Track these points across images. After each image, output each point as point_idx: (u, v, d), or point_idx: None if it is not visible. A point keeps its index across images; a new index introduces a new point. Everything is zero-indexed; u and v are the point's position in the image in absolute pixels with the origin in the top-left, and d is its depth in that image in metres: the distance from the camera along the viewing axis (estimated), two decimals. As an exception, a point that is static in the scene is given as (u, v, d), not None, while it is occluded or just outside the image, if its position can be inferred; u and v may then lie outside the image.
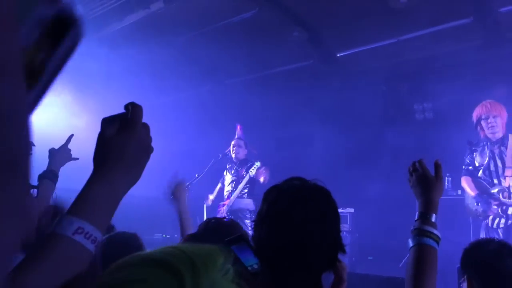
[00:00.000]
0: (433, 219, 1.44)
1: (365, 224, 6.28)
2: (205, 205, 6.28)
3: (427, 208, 1.46)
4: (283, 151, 7.54)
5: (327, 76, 7.09)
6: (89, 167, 0.85)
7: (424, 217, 1.44)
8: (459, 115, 6.43)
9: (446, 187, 6.20)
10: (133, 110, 0.85)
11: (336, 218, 1.30)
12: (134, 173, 0.86)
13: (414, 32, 5.90)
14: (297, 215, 1.23)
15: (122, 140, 0.82)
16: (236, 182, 6.15)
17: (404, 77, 6.86)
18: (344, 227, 6.77)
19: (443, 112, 6.79)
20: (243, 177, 6.09)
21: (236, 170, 6.21)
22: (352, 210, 6.89)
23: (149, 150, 0.87)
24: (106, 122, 0.86)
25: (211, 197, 6.37)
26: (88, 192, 0.80)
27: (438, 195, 1.50)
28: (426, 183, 1.50)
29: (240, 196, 6.01)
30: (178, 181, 2.54)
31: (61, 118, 6.89)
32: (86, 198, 0.79)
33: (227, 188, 6.23)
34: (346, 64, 6.95)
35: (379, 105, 7.08)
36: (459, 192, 6.06)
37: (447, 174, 6.21)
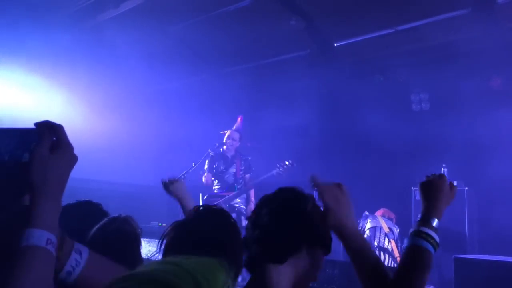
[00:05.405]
0: (434, 224, 1.40)
1: (361, 213, 6.31)
2: (200, 195, 6.28)
3: (430, 212, 1.42)
4: (280, 141, 7.53)
5: (324, 65, 7.07)
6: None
7: (425, 219, 1.41)
8: (456, 106, 6.44)
9: (441, 177, 6.22)
10: (60, 131, 0.98)
11: (306, 210, 1.46)
12: (64, 188, 0.99)
13: (411, 22, 5.88)
14: (264, 213, 1.48)
15: (58, 160, 0.95)
16: (227, 174, 6.16)
17: (401, 67, 6.85)
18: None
19: (440, 103, 6.79)
20: (236, 169, 6.11)
21: (228, 161, 6.21)
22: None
23: (73, 166, 1.00)
24: (30, 137, 0.97)
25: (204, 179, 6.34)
26: (43, 209, 0.92)
27: (444, 204, 1.47)
28: (436, 190, 1.47)
29: (239, 191, 6.03)
30: (172, 178, 2.58)
31: (57, 109, 6.86)
32: (43, 212, 0.91)
33: (222, 178, 6.21)
34: (343, 54, 6.92)
35: (376, 95, 7.07)
36: (455, 182, 6.08)
37: (443, 165, 6.24)
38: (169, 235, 1.60)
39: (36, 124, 0.97)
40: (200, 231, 1.57)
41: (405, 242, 1.43)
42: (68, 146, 0.98)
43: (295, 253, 1.42)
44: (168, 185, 2.53)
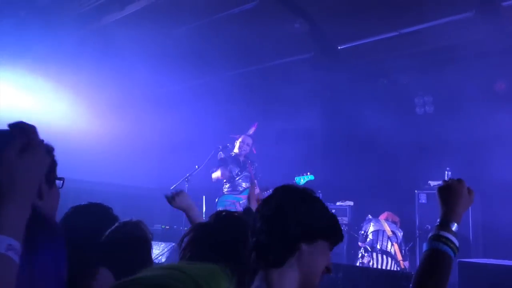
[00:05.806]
0: (454, 228, 1.40)
1: (365, 217, 6.29)
2: (204, 198, 6.27)
3: (449, 216, 1.43)
4: (283, 144, 7.53)
5: (328, 68, 7.07)
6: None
7: (445, 224, 1.41)
8: (460, 109, 6.42)
9: (445, 181, 6.20)
10: (31, 132, 0.96)
11: (295, 209, 1.43)
12: (34, 190, 0.96)
13: (415, 25, 5.87)
14: (258, 217, 1.46)
15: (27, 162, 0.92)
16: (241, 177, 6.14)
17: (405, 70, 6.85)
18: (343, 220, 6.79)
19: (444, 106, 6.78)
20: (249, 172, 6.10)
21: (241, 165, 6.20)
22: (351, 203, 6.90)
23: (44, 167, 0.98)
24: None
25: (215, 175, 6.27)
26: (7, 212, 0.88)
27: (463, 208, 1.47)
28: (455, 194, 1.48)
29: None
30: (175, 191, 2.56)
31: (62, 111, 6.88)
32: (7, 217, 0.88)
33: (236, 182, 6.19)
34: (347, 57, 6.92)
35: (380, 98, 7.07)
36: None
37: (447, 169, 6.22)
38: (189, 234, 1.69)
39: (9, 125, 0.96)
40: (219, 235, 1.65)
41: (424, 246, 1.42)
42: (39, 148, 0.96)
43: (293, 253, 1.39)
44: (172, 199, 2.51)
